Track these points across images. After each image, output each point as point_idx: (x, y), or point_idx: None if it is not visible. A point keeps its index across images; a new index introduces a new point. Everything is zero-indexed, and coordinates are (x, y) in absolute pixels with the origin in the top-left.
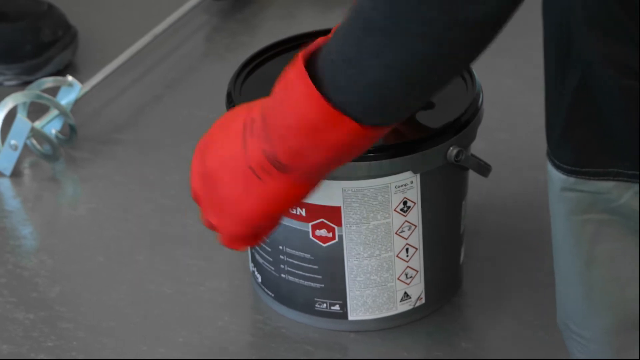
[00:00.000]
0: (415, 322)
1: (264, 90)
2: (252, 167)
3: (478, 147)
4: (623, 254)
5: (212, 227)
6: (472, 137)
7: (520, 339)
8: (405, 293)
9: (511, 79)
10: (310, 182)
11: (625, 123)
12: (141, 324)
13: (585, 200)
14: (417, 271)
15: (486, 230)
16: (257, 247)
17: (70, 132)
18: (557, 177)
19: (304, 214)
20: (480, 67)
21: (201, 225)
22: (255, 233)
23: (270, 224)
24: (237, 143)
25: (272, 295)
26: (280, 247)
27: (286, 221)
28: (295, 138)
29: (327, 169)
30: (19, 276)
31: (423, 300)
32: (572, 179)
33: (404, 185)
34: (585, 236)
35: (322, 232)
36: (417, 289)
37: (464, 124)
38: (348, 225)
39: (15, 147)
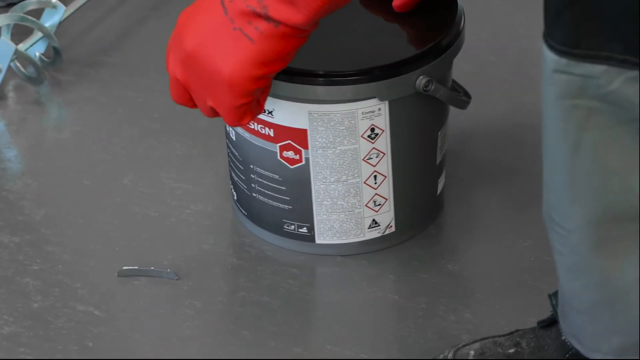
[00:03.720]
0: (400, 245)
1: None
2: (239, 27)
3: (465, 70)
4: (610, 144)
5: (212, 111)
6: (445, 68)
7: (504, 261)
8: (374, 220)
9: (499, 0)
10: (302, 32)
11: (619, 3)
12: (127, 246)
13: (576, 84)
14: (386, 199)
15: (471, 154)
16: (232, 165)
17: (54, 55)
18: (550, 58)
19: (272, 134)
20: None
21: (187, 149)
22: (253, 99)
23: (266, 84)
24: (217, 12)
25: (245, 214)
26: (252, 167)
27: (256, 140)
28: None
29: (323, 13)
30: (4, 199)
31: (393, 229)
32: (564, 60)
33: (371, 112)
34: (574, 122)
35: (290, 154)
36: (386, 217)
37: (434, 54)
38: (314, 149)
39: None
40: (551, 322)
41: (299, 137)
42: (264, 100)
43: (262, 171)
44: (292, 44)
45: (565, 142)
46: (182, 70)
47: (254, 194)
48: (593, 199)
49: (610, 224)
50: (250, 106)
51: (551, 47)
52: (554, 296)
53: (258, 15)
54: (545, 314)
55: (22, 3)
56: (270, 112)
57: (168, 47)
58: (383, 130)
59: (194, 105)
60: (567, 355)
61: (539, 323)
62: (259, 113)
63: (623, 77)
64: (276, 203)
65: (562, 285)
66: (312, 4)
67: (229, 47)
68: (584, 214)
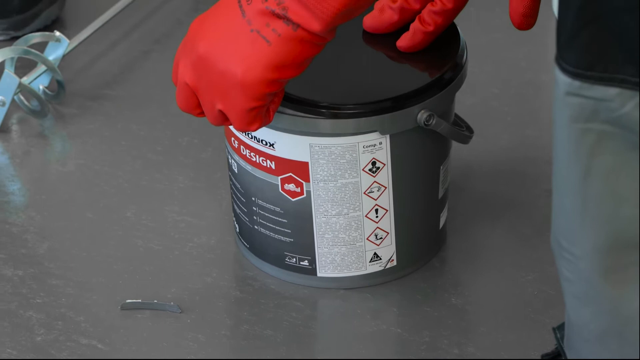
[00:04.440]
0: (403, 278)
1: None
2: (256, 29)
3: (468, 103)
4: (621, 169)
5: (220, 118)
6: (447, 102)
7: (509, 294)
8: (375, 254)
9: (501, 32)
10: (319, 39)
11: (634, 25)
12: (130, 279)
13: (588, 107)
14: (387, 233)
15: (474, 187)
16: (234, 198)
17: (58, 88)
18: (562, 81)
19: (273, 166)
20: (470, 21)
21: (190, 182)
22: (265, 104)
23: (279, 90)
24: (234, 15)
25: (248, 246)
26: (253, 199)
27: (258, 173)
28: None
29: (339, 19)
30: (8, 232)
31: (395, 262)
32: (577, 83)
33: (372, 146)
34: (585, 146)
35: (291, 187)
36: (388, 251)
37: (436, 89)
38: (316, 182)
39: (2, 103)
40: (555, 356)
41: (301, 169)
42: (274, 110)
43: (264, 204)
44: (309, 51)
45: (576, 167)
46: (192, 74)
47: (255, 227)
48: (603, 225)
49: (620, 250)
50: (260, 112)
51: (564, 70)
52: (558, 329)
53: (277, 17)
54: (549, 347)
55: (25, 36)
56: (271, 145)
57: (177, 54)
58: (384, 164)
59: (201, 113)
60: None
61: (543, 356)
62: (268, 122)
63: (635, 101)
64: (277, 236)
65: (569, 314)
66: (327, 10)
67: (244, 49)
68: (593, 240)
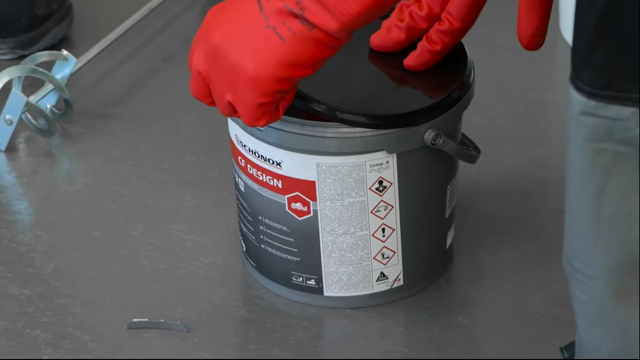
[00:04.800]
0: (409, 297)
1: None
2: (272, 26)
3: (475, 122)
4: (635, 190)
5: (229, 109)
6: (454, 122)
7: (515, 314)
8: (382, 273)
9: (508, 52)
10: (335, 41)
11: None
12: (137, 298)
13: (603, 127)
14: (394, 252)
15: (480, 207)
16: (241, 216)
17: (65, 107)
18: (577, 101)
19: (280, 185)
20: (477, 40)
21: (197, 200)
22: (275, 100)
23: (290, 88)
24: (252, 9)
25: (254, 265)
26: (260, 218)
27: (265, 192)
28: None
29: (358, 22)
30: (15, 251)
31: (401, 282)
32: (592, 103)
33: (379, 165)
34: (599, 166)
35: (298, 206)
36: (394, 270)
37: (443, 108)
38: (322, 201)
39: (10, 122)
40: None
41: (307, 188)
42: (284, 107)
43: (271, 222)
44: (322, 52)
45: (590, 187)
46: (205, 63)
47: (262, 246)
48: (617, 246)
49: (633, 271)
50: (269, 108)
51: (579, 89)
52: (565, 349)
53: (294, 16)
54: None
55: (33, 55)
56: (278, 164)
57: (193, 42)
58: (391, 183)
59: (212, 103)
60: None
61: None
62: (277, 119)
63: None
64: (284, 255)
65: (580, 335)
66: (347, 12)
67: (258, 44)
68: (607, 260)
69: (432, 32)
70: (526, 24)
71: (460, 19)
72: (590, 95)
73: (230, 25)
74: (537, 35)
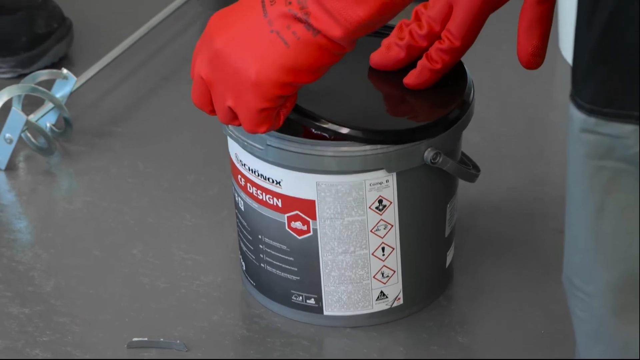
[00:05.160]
0: (409, 316)
1: None
2: (277, 30)
3: (474, 140)
4: (635, 207)
5: (230, 115)
6: (453, 141)
7: (515, 332)
8: (382, 292)
9: (507, 70)
10: (338, 48)
11: None
12: (136, 318)
13: (604, 145)
14: (394, 271)
15: (480, 225)
16: (241, 235)
17: (65, 125)
18: (577, 118)
19: (280, 204)
20: (477, 59)
21: (197, 219)
22: (276, 106)
23: (291, 94)
24: (255, 15)
25: (254, 284)
26: (260, 237)
27: (264, 211)
28: None
29: (362, 30)
30: (14, 270)
31: (401, 301)
32: (592, 120)
33: (379, 183)
34: (599, 183)
35: (297, 225)
36: (394, 289)
37: (443, 127)
38: (322, 220)
39: (10, 141)
40: None
41: (307, 207)
42: (285, 115)
43: (270, 241)
44: (326, 58)
45: (590, 204)
46: (207, 69)
47: (262, 265)
48: (617, 263)
49: (633, 289)
50: (270, 114)
51: (579, 106)
52: None
53: (298, 20)
54: None
55: (33, 74)
56: (278, 183)
57: (195, 49)
58: (391, 202)
59: (212, 112)
60: None
61: None
62: (277, 127)
63: None
64: (284, 274)
65: (580, 353)
66: (351, 18)
67: (261, 48)
68: (606, 277)
69: (432, 51)
70: (526, 43)
71: (460, 37)
72: (590, 112)
73: (233, 30)
74: (536, 54)
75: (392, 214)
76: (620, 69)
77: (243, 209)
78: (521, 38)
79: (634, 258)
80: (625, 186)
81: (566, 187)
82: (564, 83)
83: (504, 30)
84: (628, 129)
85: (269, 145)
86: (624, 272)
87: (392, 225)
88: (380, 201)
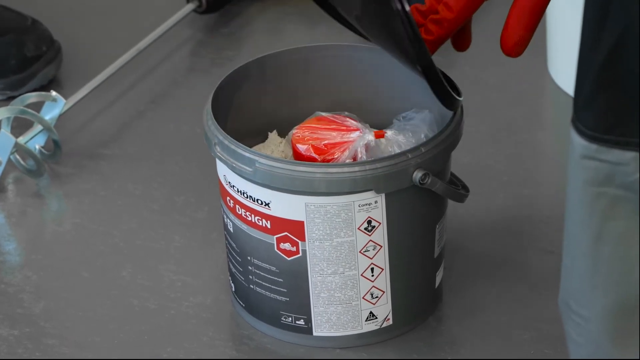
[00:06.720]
0: (399, 337)
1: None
2: None
3: (463, 161)
4: (633, 234)
5: None
6: (442, 162)
7: (505, 353)
8: (371, 313)
9: (496, 92)
10: None
11: None
12: (126, 339)
13: (604, 171)
14: (383, 292)
15: (469, 246)
16: (230, 257)
17: (54, 148)
18: (578, 144)
19: (268, 226)
20: (466, 81)
21: (186, 241)
22: None
23: None
24: None
25: (243, 305)
26: (249, 258)
27: (253, 232)
28: None
29: None
30: (3, 292)
31: (391, 321)
32: (593, 146)
33: (367, 205)
34: (598, 209)
35: (287, 246)
36: (384, 310)
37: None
38: (311, 241)
39: None
40: None
41: (296, 229)
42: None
43: (259, 263)
44: None
45: (589, 229)
46: None
47: (251, 286)
48: (614, 289)
49: (629, 314)
50: None
51: (580, 133)
52: None
53: None
54: None
55: (22, 96)
56: (267, 204)
57: None
58: (380, 223)
59: None
60: None
61: None
62: None
63: None
64: (273, 295)
65: None
66: None
67: None
68: (603, 302)
69: (428, 22)
70: (513, 31)
71: (456, 9)
72: (591, 139)
73: None
74: (520, 44)
75: (381, 234)
76: (622, 95)
77: (232, 231)
78: (509, 25)
79: (632, 284)
80: (624, 213)
81: (565, 211)
82: (553, 105)
83: (492, 52)
84: (628, 156)
85: (258, 167)
86: (622, 298)
87: (381, 246)
88: (369, 222)
